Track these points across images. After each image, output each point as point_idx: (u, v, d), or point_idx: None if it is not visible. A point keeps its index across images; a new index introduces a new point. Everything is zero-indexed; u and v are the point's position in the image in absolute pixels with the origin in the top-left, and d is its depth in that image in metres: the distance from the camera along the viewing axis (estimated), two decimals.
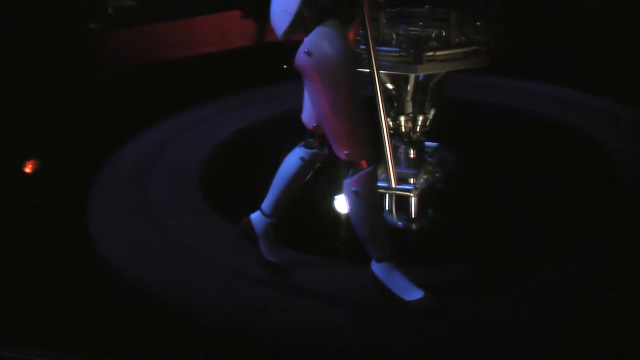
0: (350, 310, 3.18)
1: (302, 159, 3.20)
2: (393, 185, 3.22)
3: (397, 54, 3.45)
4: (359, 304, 3.21)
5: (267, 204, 3.31)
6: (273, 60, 6.28)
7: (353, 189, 3.04)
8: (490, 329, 3.05)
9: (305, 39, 2.86)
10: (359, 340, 3.01)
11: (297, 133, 3.22)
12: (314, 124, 3.10)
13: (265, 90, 5.86)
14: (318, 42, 2.85)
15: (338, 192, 3.85)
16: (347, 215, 3.80)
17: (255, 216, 3.34)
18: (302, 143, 3.19)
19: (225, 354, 2.99)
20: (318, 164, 3.25)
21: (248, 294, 3.31)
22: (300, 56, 2.88)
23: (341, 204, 3.86)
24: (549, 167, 4.46)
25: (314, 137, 3.17)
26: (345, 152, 2.97)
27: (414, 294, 3.16)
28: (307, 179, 3.28)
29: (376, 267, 3.19)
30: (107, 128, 5.16)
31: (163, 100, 5.63)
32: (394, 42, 3.50)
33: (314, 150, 3.18)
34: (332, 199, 3.94)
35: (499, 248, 3.64)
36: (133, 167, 4.66)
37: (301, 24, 2.86)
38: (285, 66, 5.96)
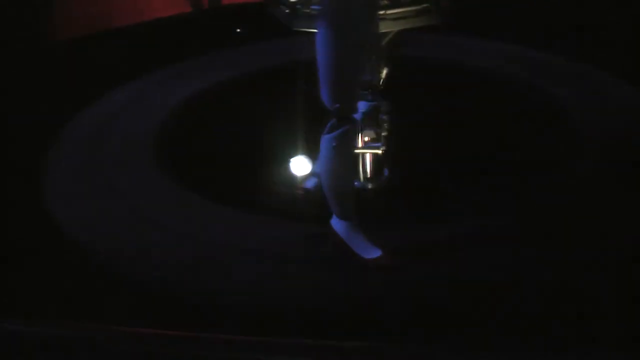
0: (300, 267, 3.29)
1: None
2: (361, 145, 3.35)
3: None
4: (310, 261, 3.31)
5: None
6: (227, 25, 6.29)
7: (334, 144, 3.09)
8: (444, 287, 3.12)
9: None
10: (307, 297, 3.11)
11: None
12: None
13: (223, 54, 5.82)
14: None
15: (293, 154, 3.89)
16: (303, 176, 3.85)
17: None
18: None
19: (175, 314, 3.03)
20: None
21: (201, 256, 3.41)
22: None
23: (298, 166, 3.87)
24: (498, 122, 4.51)
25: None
26: (337, 105, 3.04)
27: (373, 253, 3.22)
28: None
29: (337, 224, 3.24)
30: (60, 96, 5.09)
31: (117, 67, 5.55)
32: None
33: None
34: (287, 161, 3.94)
35: (454, 207, 3.72)
36: (89, 133, 4.67)
37: None
38: (238, 30, 5.92)
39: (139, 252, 3.47)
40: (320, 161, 3.24)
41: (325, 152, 3.17)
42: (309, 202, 3.68)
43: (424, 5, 3.48)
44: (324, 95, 3.09)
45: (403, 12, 3.44)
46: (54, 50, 5.92)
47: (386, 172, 3.84)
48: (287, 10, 3.59)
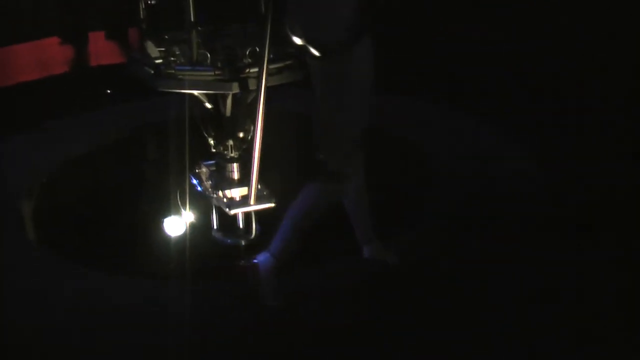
0: None
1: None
2: (252, 203, 3.40)
3: (213, 73, 3.48)
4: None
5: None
6: (95, 86, 6.24)
7: (324, 196, 3.30)
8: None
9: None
10: None
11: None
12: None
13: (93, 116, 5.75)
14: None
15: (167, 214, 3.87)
16: (177, 237, 3.83)
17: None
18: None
19: None
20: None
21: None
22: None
23: (171, 225, 3.85)
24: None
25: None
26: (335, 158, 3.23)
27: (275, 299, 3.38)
28: None
29: (263, 261, 3.37)
30: None
31: None
32: (208, 61, 3.53)
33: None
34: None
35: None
36: None
37: None
38: (109, 91, 5.86)
39: None
40: (299, 199, 3.32)
41: (310, 197, 3.29)
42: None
43: (288, 62, 3.55)
44: (325, 145, 3.20)
45: (272, 68, 3.50)
46: None
47: (258, 227, 3.86)
48: (150, 71, 3.60)
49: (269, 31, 3.50)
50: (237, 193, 3.73)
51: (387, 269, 3.61)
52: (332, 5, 3.12)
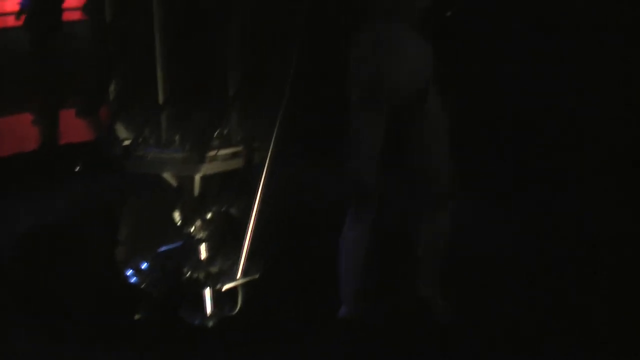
0: None
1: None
2: (238, 277, 3.45)
3: (180, 155, 3.53)
4: None
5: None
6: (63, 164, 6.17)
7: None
8: None
9: None
10: None
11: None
12: None
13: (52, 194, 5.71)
14: None
15: None
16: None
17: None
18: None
19: None
20: None
21: None
22: None
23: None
24: None
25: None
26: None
27: None
28: None
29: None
30: None
31: None
32: (176, 143, 3.58)
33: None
34: None
35: None
36: None
37: None
38: (77, 169, 5.82)
39: None
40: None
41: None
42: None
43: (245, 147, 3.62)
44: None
45: (234, 151, 3.55)
46: None
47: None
48: (120, 152, 3.63)
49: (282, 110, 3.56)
50: (217, 269, 3.78)
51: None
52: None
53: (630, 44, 4.76)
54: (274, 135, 3.46)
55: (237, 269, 3.59)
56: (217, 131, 3.62)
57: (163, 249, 3.88)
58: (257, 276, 3.70)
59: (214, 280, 3.70)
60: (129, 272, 3.83)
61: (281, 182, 3.71)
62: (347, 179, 3.34)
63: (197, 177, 3.65)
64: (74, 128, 7.27)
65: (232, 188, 3.85)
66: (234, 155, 3.57)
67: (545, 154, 5.11)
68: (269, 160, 3.47)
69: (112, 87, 3.80)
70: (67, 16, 7.99)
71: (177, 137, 3.57)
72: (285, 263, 4.15)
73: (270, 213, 3.63)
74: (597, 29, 4.85)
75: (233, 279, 3.62)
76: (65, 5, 7.81)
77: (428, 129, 3.31)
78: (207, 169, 3.55)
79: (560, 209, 4.67)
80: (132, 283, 3.81)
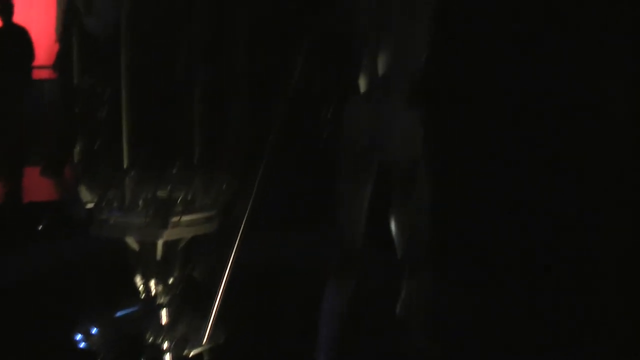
0: None
1: None
2: (204, 342, 3.41)
3: (144, 219, 3.50)
4: None
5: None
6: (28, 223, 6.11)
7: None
8: None
9: None
10: None
11: None
12: None
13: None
14: None
15: None
16: None
17: None
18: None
19: None
20: None
21: None
22: None
23: None
24: None
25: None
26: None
27: None
28: None
29: None
30: None
31: None
32: (140, 207, 3.55)
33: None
34: None
35: None
36: None
37: None
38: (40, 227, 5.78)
39: None
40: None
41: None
42: None
43: (214, 211, 3.59)
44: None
45: (197, 218, 3.53)
46: None
47: None
48: (82, 215, 3.60)
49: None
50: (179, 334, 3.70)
51: None
52: None
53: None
54: (250, 201, 3.46)
55: (203, 335, 3.55)
56: (181, 196, 3.61)
57: (120, 313, 3.81)
58: (222, 341, 3.64)
59: (178, 346, 3.64)
60: (78, 337, 3.74)
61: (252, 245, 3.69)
62: (331, 243, 3.37)
63: (160, 243, 3.62)
64: (37, 187, 7.19)
65: (196, 252, 3.84)
66: (197, 221, 3.54)
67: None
68: (243, 226, 3.47)
69: (77, 148, 3.79)
70: (37, 74, 7.97)
71: (140, 202, 3.55)
72: (252, 327, 4.11)
73: (237, 277, 3.61)
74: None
75: (199, 344, 3.57)
76: (36, 63, 7.78)
77: (411, 199, 3.37)
78: (170, 234, 3.51)
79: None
80: (81, 348, 3.71)
